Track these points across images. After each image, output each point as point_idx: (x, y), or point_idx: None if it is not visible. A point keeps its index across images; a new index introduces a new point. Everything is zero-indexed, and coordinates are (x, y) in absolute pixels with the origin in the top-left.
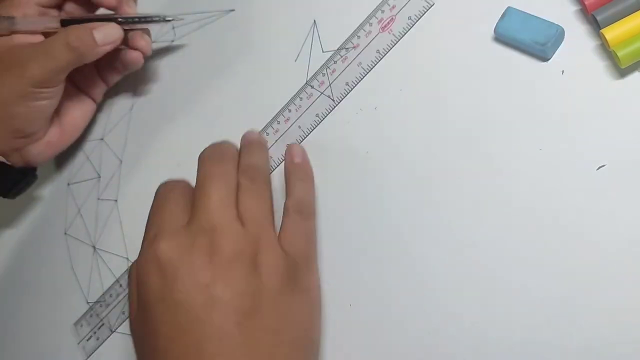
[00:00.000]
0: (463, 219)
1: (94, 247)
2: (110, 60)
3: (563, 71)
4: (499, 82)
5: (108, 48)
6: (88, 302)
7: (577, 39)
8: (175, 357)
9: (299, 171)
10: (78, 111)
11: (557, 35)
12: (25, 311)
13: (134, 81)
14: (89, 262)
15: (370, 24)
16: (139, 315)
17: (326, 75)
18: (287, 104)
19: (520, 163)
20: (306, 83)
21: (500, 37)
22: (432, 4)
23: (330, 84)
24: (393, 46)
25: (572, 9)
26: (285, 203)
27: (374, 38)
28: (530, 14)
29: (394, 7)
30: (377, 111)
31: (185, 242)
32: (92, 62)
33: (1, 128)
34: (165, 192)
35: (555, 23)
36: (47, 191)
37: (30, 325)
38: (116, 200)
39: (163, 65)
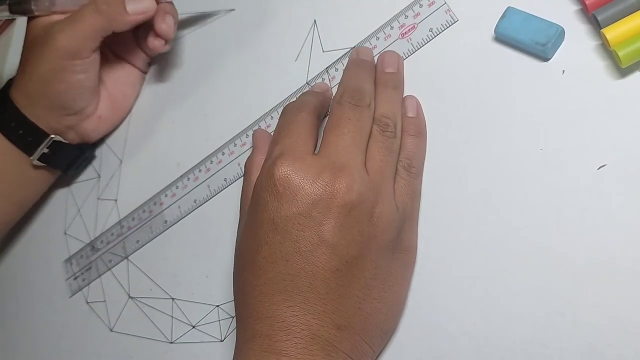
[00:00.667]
0: (463, 218)
1: (94, 247)
2: (147, 31)
3: (564, 71)
4: (499, 82)
5: (139, 18)
6: (88, 302)
7: (578, 38)
8: (269, 280)
9: (412, 125)
10: (125, 82)
11: (558, 36)
12: (25, 311)
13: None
14: (88, 262)
15: (392, 27)
16: (244, 230)
17: (327, 78)
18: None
19: (521, 163)
20: (306, 83)
21: (501, 37)
22: (456, 20)
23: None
24: (410, 55)
25: (573, 8)
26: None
27: (392, 42)
28: (530, 14)
29: (417, 14)
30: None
31: (310, 172)
32: (130, 32)
33: (50, 106)
34: (294, 111)
35: (556, 23)
36: (47, 191)
37: (30, 325)
38: (116, 200)
39: (163, 65)
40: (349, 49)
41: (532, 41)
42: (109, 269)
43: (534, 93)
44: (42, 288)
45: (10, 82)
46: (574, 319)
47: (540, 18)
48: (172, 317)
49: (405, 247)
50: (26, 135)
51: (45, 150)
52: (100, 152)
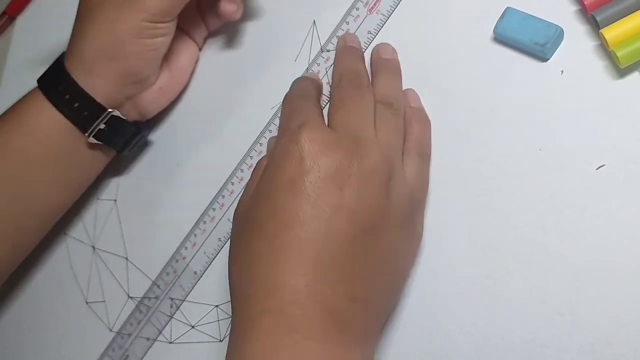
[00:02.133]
0: (463, 218)
1: (93, 247)
2: (212, 2)
3: (562, 71)
4: (499, 82)
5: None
6: (87, 303)
7: (577, 39)
8: (282, 246)
9: (418, 113)
10: (184, 55)
11: (557, 36)
12: (24, 311)
13: None
14: (88, 262)
15: (357, 9)
16: (255, 198)
17: (321, 64)
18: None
19: (520, 163)
20: None
21: (500, 37)
22: None
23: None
24: (383, 25)
25: (572, 8)
26: (404, 144)
27: (363, 21)
28: (529, 14)
29: None
30: None
31: (331, 140)
32: (194, 2)
33: (116, 72)
34: (299, 99)
35: (555, 23)
36: None
37: (30, 325)
38: (116, 200)
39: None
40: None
41: (531, 41)
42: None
43: (533, 93)
44: (42, 288)
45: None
46: (574, 319)
47: (539, 18)
48: (172, 317)
49: (415, 228)
50: (82, 109)
51: (102, 126)
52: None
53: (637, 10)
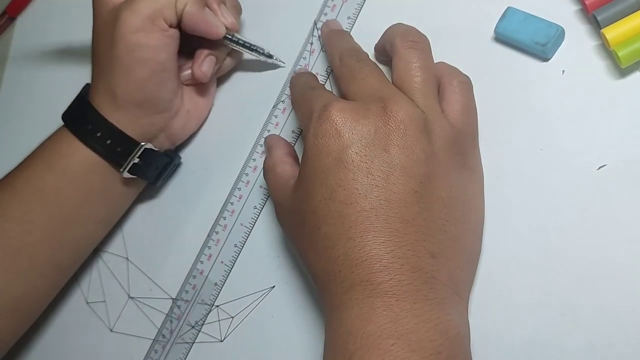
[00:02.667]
0: None
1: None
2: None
3: (563, 71)
4: (500, 82)
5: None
6: (88, 302)
7: (578, 38)
8: (353, 223)
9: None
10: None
11: (557, 36)
12: None
13: None
14: (89, 262)
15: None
16: (306, 187)
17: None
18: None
19: (521, 163)
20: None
21: (501, 37)
22: None
23: (331, 85)
24: (361, 8)
25: (573, 8)
26: (441, 79)
27: (340, 7)
28: (530, 14)
29: None
30: None
31: (360, 109)
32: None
33: (139, 104)
34: (308, 87)
35: (555, 23)
36: None
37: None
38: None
39: None
40: None
41: (532, 41)
42: None
43: (533, 93)
44: None
45: (87, 88)
46: (574, 319)
47: (540, 18)
48: (171, 317)
49: (471, 165)
50: (115, 146)
51: (136, 160)
52: None
53: (638, 10)
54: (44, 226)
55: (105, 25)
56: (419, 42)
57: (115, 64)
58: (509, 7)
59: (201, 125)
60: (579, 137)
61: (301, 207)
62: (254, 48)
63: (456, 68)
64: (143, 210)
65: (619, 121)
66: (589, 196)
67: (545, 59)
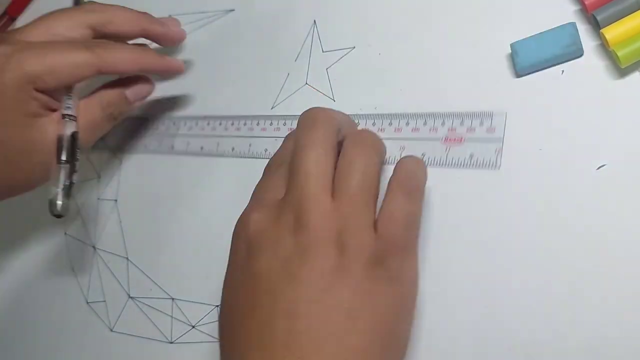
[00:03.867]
0: (463, 218)
1: (94, 247)
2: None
3: (563, 71)
4: (499, 82)
5: (139, 104)
6: (88, 302)
7: None
8: (249, 337)
9: (410, 155)
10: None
11: (576, 30)
12: (25, 311)
13: None
14: (88, 262)
15: (443, 123)
16: (228, 278)
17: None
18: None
19: (520, 163)
20: (306, 83)
21: (526, 71)
22: (498, 165)
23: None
24: (435, 166)
25: (572, 8)
26: (390, 178)
27: (427, 139)
28: (535, 34)
29: (471, 130)
30: (376, 111)
31: (273, 216)
32: None
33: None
34: (277, 161)
35: (562, 24)
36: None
37: (30, 325)
38: (116, 200)
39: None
40: (349, 49)
41: (561, 49)
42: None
43: (533, 93)
44: (42, 288)
45: None
46: (574, 319)
47: (546, 31)
48: (172, 317)
49: (394, 277)
50: None
51: None
52: (100, 152)
53: (637, 9)
54: None
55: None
56: (368, 144)
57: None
58: (512, 44)
59: None
60: (579, 137)
61: (224, 304)
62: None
63: (417, 167)
64: (143, 211)
65: (619, 121)
66: (589, 196)
67: (580, 55)
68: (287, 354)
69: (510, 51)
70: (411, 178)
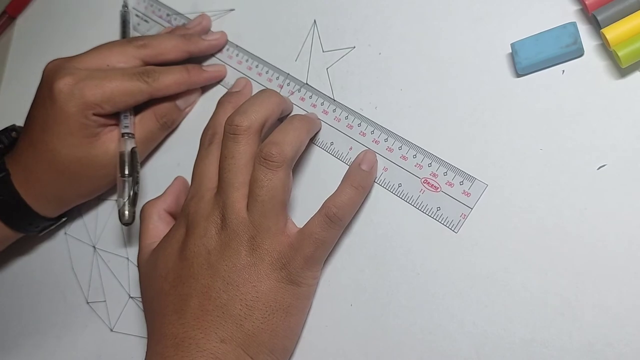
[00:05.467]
0: (463, 218)
1: (94, 247)
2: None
3: (563, 71)
4: (499, 82)
5: (189, 110)
6: (88, 302)
7: None
8: (170, 302)
9: (359, 177)
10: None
11: (577, 29)
12: (25, 311)
13: None
14: (89, 262)
15: (420, 167)
16: (161, 252)
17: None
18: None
19: (521, 163)
20: (306, 83)
21: (526, 71)
22: (456, 232)
23: (331, 85)
24: (410, 206)
25: (573, 8)
26: (326, 200)
27: (409, 179)
28: (535, 34)
29: (450, 184)
30: (377, 111)
31: (207, 210)
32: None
33: (69, 191)
34: (209, 132)
35: (564, 23)
36: None
37: (30, 325)
38: (116, 200)
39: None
40: (349, 49)
41: (561, 49)
42: None
43: (534, 93)
44: (42, 288)
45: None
46: (574, 319)
47: (546, 30)
48: None
49: (294, 281)
50: (8, 209)
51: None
52: None
53: (638, 9)
54: None
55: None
56: (277, 161)
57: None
58: (512, 43)
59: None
60: (579, 137)
61: (149, 272)
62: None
63: (351, 200)
64: None
65: (619, 121)
66: (589, 196)
67: (581, 55)
68: (195, 324)
69: (510, 51)
70: (340, 208)
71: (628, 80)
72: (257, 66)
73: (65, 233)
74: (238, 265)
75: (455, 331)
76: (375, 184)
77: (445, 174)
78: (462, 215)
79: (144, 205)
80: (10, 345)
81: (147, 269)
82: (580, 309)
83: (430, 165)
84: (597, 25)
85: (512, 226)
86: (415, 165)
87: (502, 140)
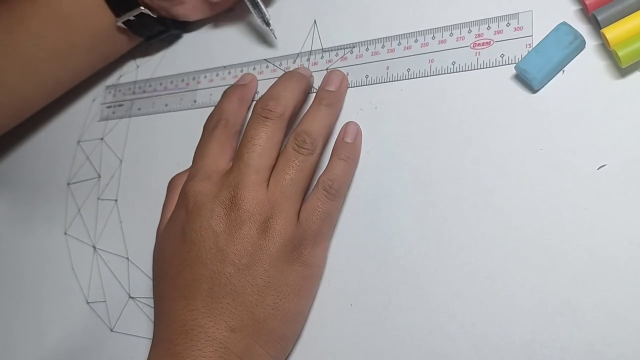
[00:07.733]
0: (464, 218)
1: (94, 247)
2: None
3: (563, 71)
4: (499, 82)
5: None
6: (88, 302)
7: None
8: (177, 287)
9: (345, 150)
10: None
11: (569, 26)
12: (25, 311)
13: (133, 81)
14: (89, 262)
15: (470, 30)
16: (165, 236)
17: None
18: None
19: (521, 163)
20: None
21: (543, 83)
22: (529, 43)
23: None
24: (467, 70)
25: (573, 8)
26: (319, 176)
27: (455, 48)
28: (534, 47)
29: (499, 32)
30: (377, 111)
31: (213, 190)
32: None
33: None
34: (209, 130)
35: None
36: (47, 191)
37: (30, 325)
38: (116, 200)
39: (162, 65)
40: (349, 49)
41: (566, 49)
42: (134, 116)
43: (534, 93)
44: (42, 288)
45: None
46: (574, 319)
47: (543, 40)
48: None
49: (305, 261)
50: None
51: (132, 18)
52: (100, 152)
53: (638, 9)
54: (52, 45)
55: None
56: (310, 148)
57: None
58: (517, 65)
59: None
60: (579, 137)
61: (158, 254)
62: (260, 8)
63: (344, 170)
64: (143, 211)
65: (619, 121)
66: (589, 196)
67: (585, 47)
68: (205, 311)
69: (515, 72)
70: (335, 180)
71: (628, 80)
72: (257, 66)
73: (65, 233)
74: (249, 248)
75: (455, 331)
76: (426, 79)
77: (488, 28)
78: (528, 45)
79: (173, 177)
80: (10, 345)
81: (156, 249)
82: (580, 309)
83: (470, 31)
84: (597, 25)
85: (511, 226)
86: (457, 40)
87: (502, 140)
